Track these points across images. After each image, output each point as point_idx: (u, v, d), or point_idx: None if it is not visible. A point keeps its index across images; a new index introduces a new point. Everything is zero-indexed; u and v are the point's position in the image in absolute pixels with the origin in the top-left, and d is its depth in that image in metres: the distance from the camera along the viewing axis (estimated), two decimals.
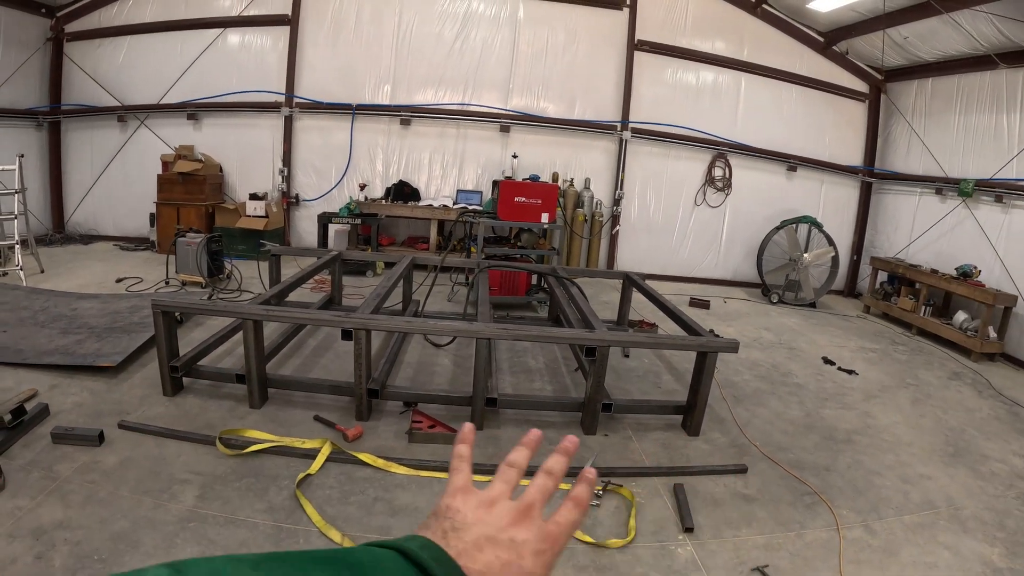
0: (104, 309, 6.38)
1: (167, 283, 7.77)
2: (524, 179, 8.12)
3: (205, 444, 4.03)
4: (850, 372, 6.42)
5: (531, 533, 0.57)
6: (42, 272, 7.99)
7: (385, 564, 0.48)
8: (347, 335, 4.38)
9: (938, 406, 5.76)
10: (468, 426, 0.70)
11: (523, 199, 7.52)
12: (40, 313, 6.15)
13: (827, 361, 6.72)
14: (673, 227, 10.82)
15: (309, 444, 4.08)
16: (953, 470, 4.42)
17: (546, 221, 7.61)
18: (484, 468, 3.85)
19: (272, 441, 4.09)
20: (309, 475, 3.72)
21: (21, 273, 7.45)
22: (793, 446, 4.55)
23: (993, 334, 7.81)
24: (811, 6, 9.24)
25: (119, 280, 7.83)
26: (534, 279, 7.95)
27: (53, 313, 6.16)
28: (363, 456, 3.94)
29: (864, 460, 4.45)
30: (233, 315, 4.66)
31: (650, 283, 6.65)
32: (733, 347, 4.48)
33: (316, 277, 7.34)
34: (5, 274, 7.55)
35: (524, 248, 7.94)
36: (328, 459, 3.91)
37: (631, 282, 6.70)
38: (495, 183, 8.40)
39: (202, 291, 7.45)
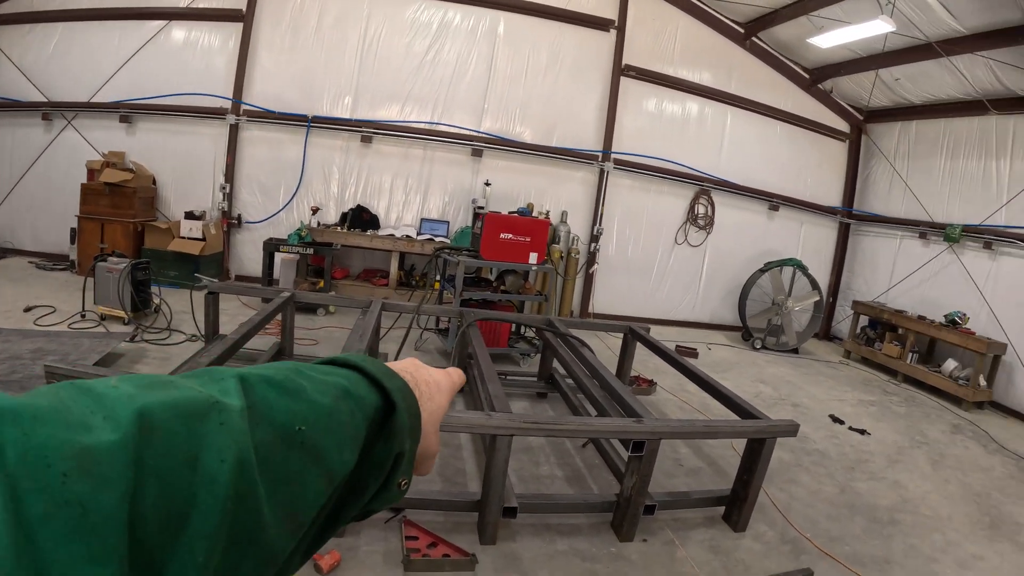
0: (1, 351, 5.13)
1: (83, 316, 6.42)
2: (511, 212, 7.09)
3: None
4: (862, 432, 6.12)
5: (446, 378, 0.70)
6: None
7: (368, 399, 0.54)
8: None
9: (955, 467, 5.66)
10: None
11: (510, 236, 6.52)
12: None
13: (835, 419, 6.38)
14: (652, 267, 10.19)
15: None
16: (998, 545, 4.25)
17: (535, 262, 6.74)
18: None
19: None
20: None
21: None
22: (843, 534, 4.07)
23: (983, 382, 7.63)
24: (812, 41, 8.76)
25: (27, 309, 6.47)
26: (513, 326, 7.01)
27: None
28: None
29: (916, 544, 4.08)
30: None
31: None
32: (792, 431, 3.80)
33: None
34: None
35: (508, 292, 6.84)
36: None
37: (636, 336, 5.68)
38: (476, 215, 7.35)
39: (124, 330, 6.13)
